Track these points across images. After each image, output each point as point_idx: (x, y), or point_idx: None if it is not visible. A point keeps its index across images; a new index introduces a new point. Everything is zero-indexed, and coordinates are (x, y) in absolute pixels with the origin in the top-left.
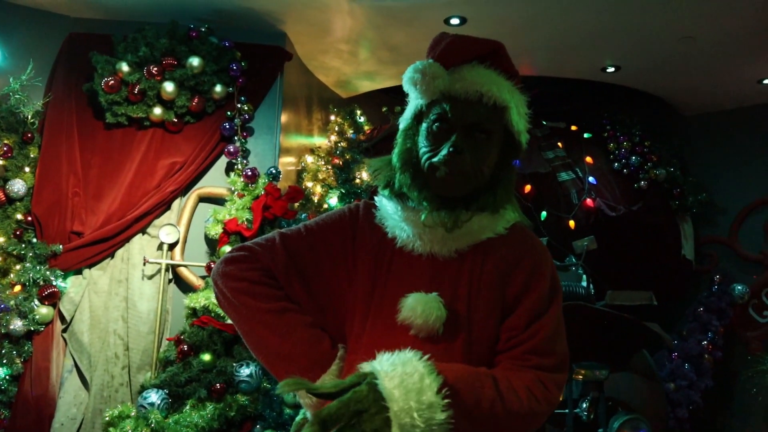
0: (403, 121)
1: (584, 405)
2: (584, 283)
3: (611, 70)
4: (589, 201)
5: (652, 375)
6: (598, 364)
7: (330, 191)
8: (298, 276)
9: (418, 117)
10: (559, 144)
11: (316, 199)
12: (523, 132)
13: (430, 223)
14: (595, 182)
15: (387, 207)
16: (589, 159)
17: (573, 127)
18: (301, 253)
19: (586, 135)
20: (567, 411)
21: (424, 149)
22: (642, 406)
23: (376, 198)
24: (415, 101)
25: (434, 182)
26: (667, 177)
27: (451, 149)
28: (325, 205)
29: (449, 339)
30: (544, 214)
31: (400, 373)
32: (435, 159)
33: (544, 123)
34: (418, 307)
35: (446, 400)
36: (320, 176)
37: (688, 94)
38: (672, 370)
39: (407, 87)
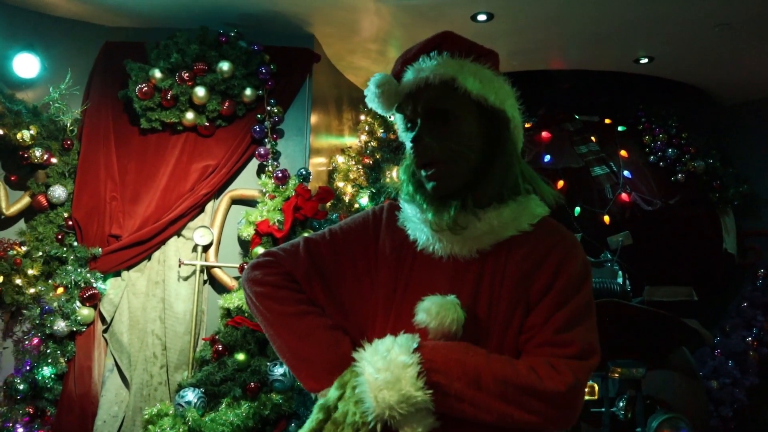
0: (403, 140)
1: (621, 404)
2: (620, 280)
3: (645, 61)
4: (624, 195)
5: (692, 373)
6: (635, 362)
7: (361, 191)
8: (320, 280)
9: None
10: (593, 138)
11: (347, 199)
12: (492, 97)
13: (436, 227)
14: (630, 176)
15: (408, 210)
16: (623, 152)
17: (607, 121)
18: (324, 257)
19: (620, 128)
20: (603, 410)
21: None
22: (682, 405)
23: (399, 199)
24: (398, 118)
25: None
26: (706, 169)
27: (411, 142)
28: (356, 205)
29: (469, 341)
30: (577, 209)
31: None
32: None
33: (577, 117)
34: (433, 309)
35: (424, 384)
36: (351, 176)
37: (727, 83)
38: (715, 367)
39: (374, 107)
